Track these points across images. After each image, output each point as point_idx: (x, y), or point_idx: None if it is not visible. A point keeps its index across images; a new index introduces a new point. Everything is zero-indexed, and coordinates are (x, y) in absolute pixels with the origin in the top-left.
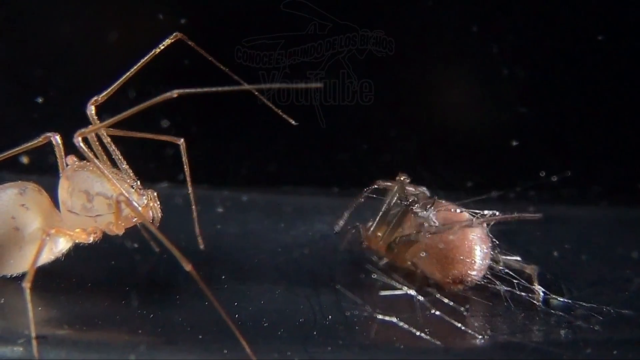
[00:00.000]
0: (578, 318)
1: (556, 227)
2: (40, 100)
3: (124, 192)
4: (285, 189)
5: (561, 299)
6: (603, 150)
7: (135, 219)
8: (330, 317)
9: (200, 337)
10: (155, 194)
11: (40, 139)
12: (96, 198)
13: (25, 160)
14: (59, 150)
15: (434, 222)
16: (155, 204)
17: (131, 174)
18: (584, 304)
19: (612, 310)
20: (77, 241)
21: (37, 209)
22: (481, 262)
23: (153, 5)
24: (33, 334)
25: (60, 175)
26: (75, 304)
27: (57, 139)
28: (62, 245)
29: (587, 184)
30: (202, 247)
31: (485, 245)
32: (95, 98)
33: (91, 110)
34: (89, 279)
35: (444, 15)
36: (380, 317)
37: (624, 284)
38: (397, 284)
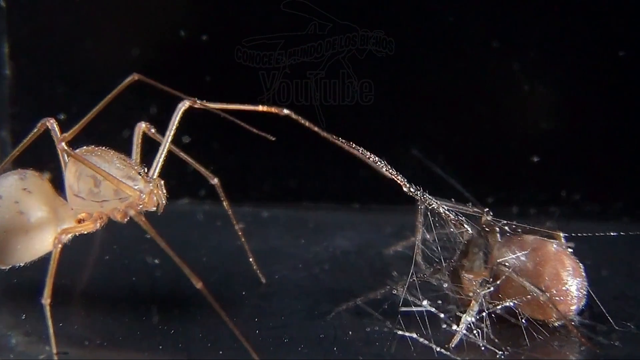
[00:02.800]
0: (599, 334)
1: (577, 242)
2: (62, 116)
3: (130, 176)
4: (306, 205)
5: (582, 315)
6: (625, 166)
7: (141, 206)
8: (350, 332)
9: (220, 352)
10: (162, 182)
11: (37, 128)
12: (103, 183)
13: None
14: (56, 135)
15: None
16: (160, 192)
17: (138, 161)
18: (604, 319)
19: (632, 327)
20: (84, 231)
21: (39, 192)
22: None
23: (153, 5)
24: (54, 350)
25: (64, 159)
26: (96, 319)
27: (53, 124)
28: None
29: (608, 199)
30: (263, 281)
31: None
32: (63, 135)
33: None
34: (109, 294)
35: (444, 15)
36: (400, 333)
37: None
38: (417, 300)
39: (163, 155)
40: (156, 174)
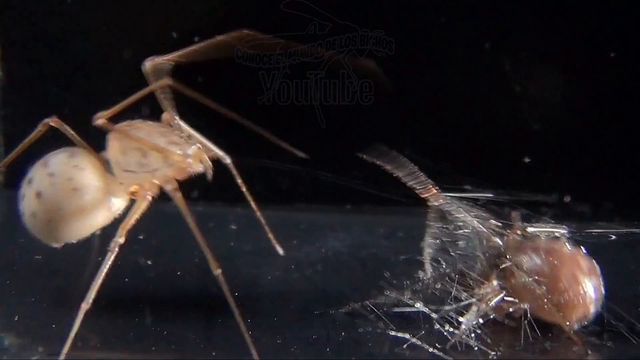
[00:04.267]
0: (590, 334)
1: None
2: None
3: (173, 141)
4: (298, 206)
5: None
6: (616, 167)
7: (189, 169)
8: (343, 333)
9: (213, 354)
10: (200, 146)
11: (39, 128)
12: (150, 153)
13: None
14: (65, 128)
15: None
16: (204, 156)
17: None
18: (596, 320)
19: (625, 327)
20: (134, 197)
21: (91, 168)
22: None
23: (149, 4)
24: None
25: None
26: (89, 321)
27: (57, 120)
28: (119, 204)
29: (599, 200)
30: (281, 252)
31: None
32: (101, 112)
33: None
34: (102, 296)
35: (444, 16)
36: (393, 333)
37: (636, 300)
38: (410, 300)
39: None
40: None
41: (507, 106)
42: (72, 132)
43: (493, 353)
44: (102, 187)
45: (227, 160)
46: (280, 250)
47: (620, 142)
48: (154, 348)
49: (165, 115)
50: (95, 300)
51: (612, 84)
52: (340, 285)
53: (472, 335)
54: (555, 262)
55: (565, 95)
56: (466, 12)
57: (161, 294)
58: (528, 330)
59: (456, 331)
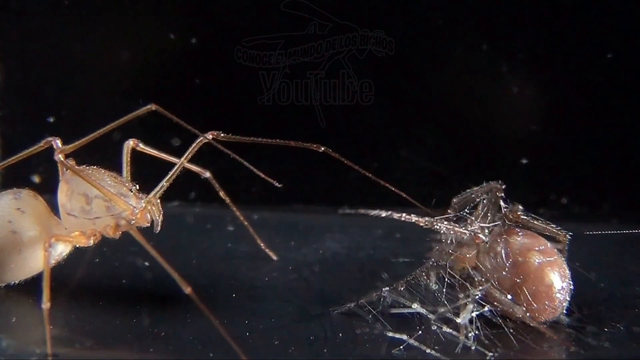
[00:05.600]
0: (588, 335)
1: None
2: (51, 119)
3: (121, 193)
4: (296, 208)
5: (571, 317)
6: (613, 168)
7: (134, 221)
8: (340, 334)
9: (211, 355)
10: (158, 200)
11: (41, 144)
12: (95, 200)
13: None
14: (55, 154)
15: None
16: (155, 208)
17: (129, 179)
18: (594, 321)
19: (622, 328)
20: (77, 245)
21: (33, 212)
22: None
23: (148, 5)
24: (49, 351)
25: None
26: (87, 322)
27: (57, 143)
28: (61, 249)
29: (597, 201)
30: (275, 258)
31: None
32: (63, 147)
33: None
34: (100, 297)
35: (444, 16)
36: (390, 334)
37: (634, 301)
38: (407, 301)
39: (171, 180)
40: (158, 194)
41: (505, 107)
42: (72, 163)
43: (490, 354)
44: (41, 231)
45: (207, 174)
46: (274, 257)
47: (618, 144)
48: (151, 349)
49: (130, 142)
50: (94, 301)
51: (610, 85)
52: (337, 286)
53: (466, 334)
54: (521, 269)
55: (563, 97)
56: (466, 13)
57: (158, 296)
58: (524, 332)
59: (446, 329)
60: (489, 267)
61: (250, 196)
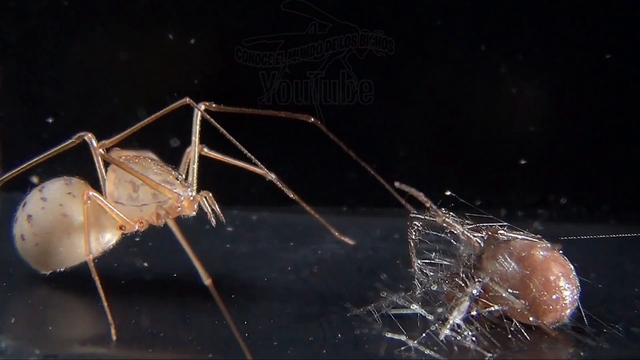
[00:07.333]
0: (586, 336)
1: (564, 245)
2: (50, 120)
3: (167, 181)
4: (295, 208)
5: (570, 317)
6: (611, 169)
7: (179, 208)
8: (339, 335)
9: (210, 356)
10: (210, 194)
11: (73, 139)
12: (142, 188)
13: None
14: (95, 149)
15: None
16: (205, 200)
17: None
18: (593, 321)
19: (620, 328)
20: (123, 232)
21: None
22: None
23: (147, 5)
24: (109, 314)
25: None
26: (86, 322)
27: (92, 139)
28: (109, 237)
29: (595, 202)
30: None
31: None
32: (102, 142)
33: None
34: (98, 297)
35: (444, 16)
36: (389, 335)
37: (633, 302)
38: (406, 302)
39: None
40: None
41: (503, 108)
42: (114, 156)
43: (489, 355)
44: (92, 216)
45: (272, 176)
46: (350, 242)
47: (618, 145)
48: (150, 350)
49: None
50: (94, 301)
51: (609, 86)
52: (336, 287)
53: (465, 334)
54: (528, 267)
55: (562, 98)
56: (466, 13)
57: (157, 296)
58: (523, 333)
59: (446, 330)
60: (492, 269)
61: (250, 197)
